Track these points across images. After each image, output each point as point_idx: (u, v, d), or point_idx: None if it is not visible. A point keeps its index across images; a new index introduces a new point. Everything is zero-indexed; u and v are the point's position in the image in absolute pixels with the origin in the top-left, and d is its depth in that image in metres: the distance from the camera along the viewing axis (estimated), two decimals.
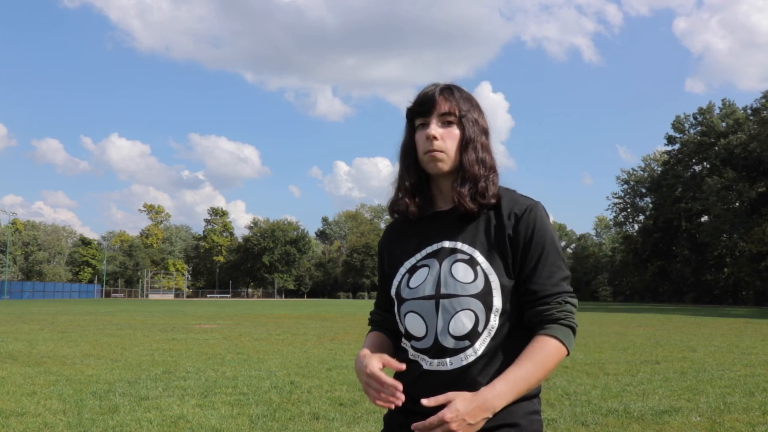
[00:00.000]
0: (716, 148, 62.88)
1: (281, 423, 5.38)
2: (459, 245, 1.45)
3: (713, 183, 57.73)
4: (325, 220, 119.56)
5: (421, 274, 1.46)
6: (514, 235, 1.42)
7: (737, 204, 58.42)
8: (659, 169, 75.20)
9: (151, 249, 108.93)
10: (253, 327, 17.96)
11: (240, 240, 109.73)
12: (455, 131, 1.47)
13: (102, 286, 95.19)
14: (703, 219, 64.85)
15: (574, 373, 8.18)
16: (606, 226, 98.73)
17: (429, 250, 1.49)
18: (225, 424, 5.32)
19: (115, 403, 6.10)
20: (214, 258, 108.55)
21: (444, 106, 1.47)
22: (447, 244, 1.47)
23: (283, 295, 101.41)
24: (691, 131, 68.04)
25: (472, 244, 1.44)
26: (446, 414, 1.26)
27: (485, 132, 1.51)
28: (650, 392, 6.84)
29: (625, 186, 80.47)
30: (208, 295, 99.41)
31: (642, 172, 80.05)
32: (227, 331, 16.26)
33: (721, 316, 29.06)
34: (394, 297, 1.52)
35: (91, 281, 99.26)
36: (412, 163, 1.52)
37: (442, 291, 1.41)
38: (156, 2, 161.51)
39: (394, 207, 1.56)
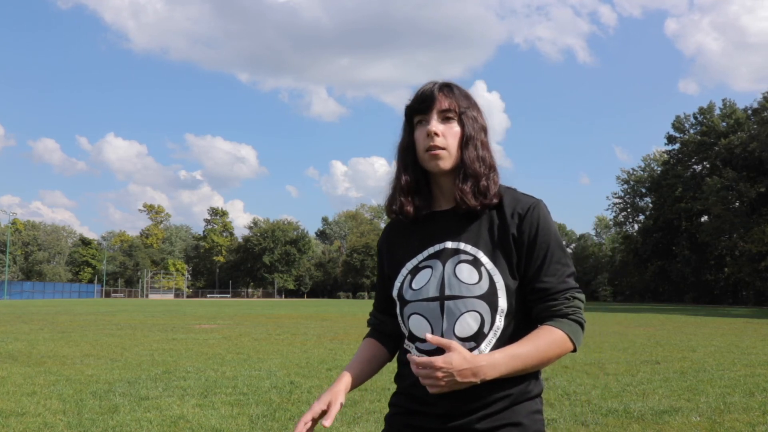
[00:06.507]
0: (716, 148, 62.85)
1: (281, 423, 5.38)
2: (462, 246, 1.43)
3: (713, 183, 57.69)
4: (325, 220, 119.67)
5: (424, 275, 1.44)
6: (518, 235, 1.41)
7: (737, 204, 58.37)
8: (659, 168, 75.08)
9: (151, 249, 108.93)
10: (253, 327, 17.95)
11: (240, 240, 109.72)
12: (455, 128, 1.44)
13: (102, 286, 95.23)
14: (703, 219, 64.80)
15: (574, 373, 8.17)
16: (606, 226, 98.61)
17: (431, 250, 1.46)
18: (225, 424, 5.32)
19: (115, 403, 6.10)
20: (214, 258, 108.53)
21: (444, 103, 1.44)
22: (450, 244, 1.44)
23: (283, 295, 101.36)
24: (692, 131, 68.02)
25: (475, 245, 1.42)
26: (438, 361, 1.25)
27: (484, 130, 1.49)
28: (650, 392, 6.84)
29: (625, 186, 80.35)
30: (208, 295, 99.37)
31: (642, 172, 79.91)
32: (227, 331, 16.26)
33: (721, 316, 29.04)
34: (396, 298, 1.50)
35: (91, 281, 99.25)
36: (411, 161, 1.48)
37: (447, 292, 1.39)
38: (150, 3, 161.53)
39: (390, 207, 1.53)
